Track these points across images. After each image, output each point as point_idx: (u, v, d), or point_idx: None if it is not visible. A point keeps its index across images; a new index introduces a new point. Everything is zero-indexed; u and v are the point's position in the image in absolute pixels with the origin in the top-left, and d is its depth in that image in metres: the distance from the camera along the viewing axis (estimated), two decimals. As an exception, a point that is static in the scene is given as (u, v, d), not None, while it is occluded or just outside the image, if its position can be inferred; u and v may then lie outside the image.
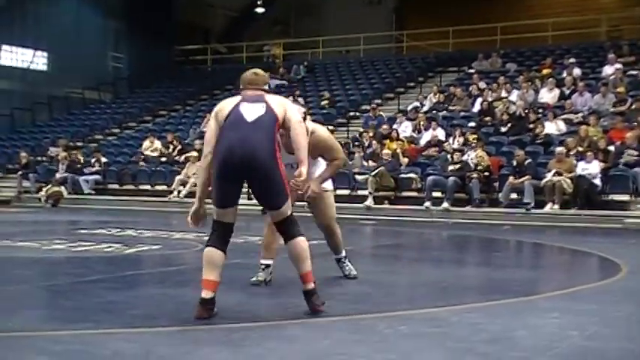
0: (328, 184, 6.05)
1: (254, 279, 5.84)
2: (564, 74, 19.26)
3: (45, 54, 26.25)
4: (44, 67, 26.40)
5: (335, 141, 5.94)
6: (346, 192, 16.46)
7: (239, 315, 4.74)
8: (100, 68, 27.59)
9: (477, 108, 18.85)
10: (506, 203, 14.78)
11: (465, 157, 15.61)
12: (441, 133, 17.50)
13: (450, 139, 17.09)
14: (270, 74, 25.60)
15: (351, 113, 21.49)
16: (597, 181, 14.17)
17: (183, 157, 18.96)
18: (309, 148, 4.89)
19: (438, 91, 20.52)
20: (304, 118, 5.28)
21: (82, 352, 3.81)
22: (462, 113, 18.99)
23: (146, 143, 20.62)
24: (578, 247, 9.75)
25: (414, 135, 18.18)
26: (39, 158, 21.44)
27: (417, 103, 20.26)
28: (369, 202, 15.76)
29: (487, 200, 15.20)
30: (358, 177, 16.28)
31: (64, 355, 3.77)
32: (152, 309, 4.93)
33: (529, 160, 14.84)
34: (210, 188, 4.69)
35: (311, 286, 4.70)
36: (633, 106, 16.57)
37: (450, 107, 19.50)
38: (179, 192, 17.75)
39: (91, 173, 19.62)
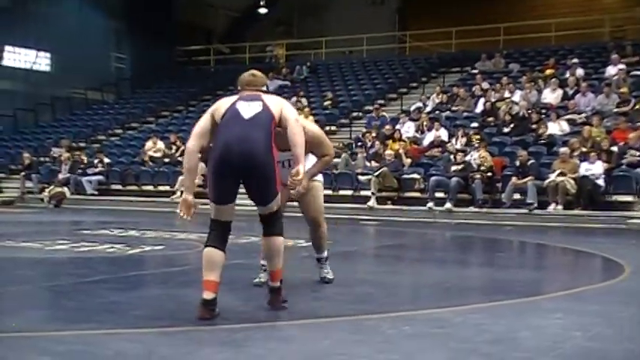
0: (318, 176, 5.98)
1: (256, 280, 5.84)
2: (567, 74, 19.23)
3: (47, 55, 26.28)
4: (47, 68, 26.43)
5: (326, 137, 5.91)
6: (349, 192, 16.49)
7: (241, 316, 4.74)
8: (103, 69, 27.62)
9: (479, 108, 18.83)
10: (509, 204, 14.77)
11: (467, 158, 15.60)
12: (443, 134, 17.49)
13: (453, 140, 17.08)
14: (272, 75, 25.76)
15: (354, 114, 21.50)
16: (601, 182, 14.16)
17: (185, 158, 18.93)
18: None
19: (441, 91, 20.52)
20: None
21: (84, 352, 3.81)
22: (465, 114, 18.98)
23: (149, 144, 20.63)
24: (581, 247, 9.73)
25: (417, 135, 18.17)
26: (42, 159, 21.48)
27: (420, 104, 20.24)
28: (372, 202, 15.76)
29: (490, 201, 15.19)
30: (361, 177, 16.29)
31: (67, 355, 3.77)
32: (155, 309, 4.93)
33: (532, 161, 14.83)
34: (200, 181, 4.72)
35: (277, 284, 4.83)
36: (636, 107, 16.54)
37: (453, 108, 19.48)
38: (182, 192, 17.72)
39: (94, 174, 19.64)
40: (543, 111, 17.49)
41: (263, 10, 31.21)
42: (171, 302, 5.17)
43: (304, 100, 21.11)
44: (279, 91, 22.29)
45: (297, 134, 4.71)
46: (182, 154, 18.99)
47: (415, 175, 16.03)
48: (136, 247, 8.87)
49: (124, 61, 29.05)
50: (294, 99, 20.80)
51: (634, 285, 6.53)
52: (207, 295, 4.52)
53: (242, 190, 4.71)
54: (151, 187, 19.19)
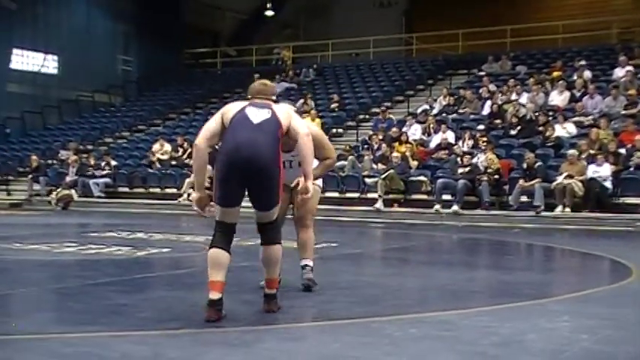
0: (317, 180, 5.92)
1: (262, 282, 5.81)
2: (575, 77, 19.18)
3: (55, 57, 26.35)
4: (55, 71, 26.51)
5: (328, 140, 5.90)
6: (356, 195, 16.49)
7: (249, 318, 4.74)
8: (110, 71, 27.70)
9: (486, 111, 18.80)
10: (517, 206, 14.73)
11: (474, 160, 15.58)
12: (450, 136, 17.47)
13: (460, 142, 17.06)
14: (279, 77, 25.70)
15: (361, 116, 21.50)
16: (608, 184, 14.12)
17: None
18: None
19: (448, 93, 20.49)
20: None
21: (91, 354, 3.81)
22: (472, 116, 18.95)
23: (156, 146, 20.66)
24: (588, 250, 9.70)
25: (424, 138, 18.16)
26: (49, 161, 21.54)
27: (427, 106, 20.24)
28: (379, 204, 15.75)
29: (497, 203, 15.17)
30: (368, 180, 16.28)
31: (74, 357, 3.78)
32: (161, 312, 4.93)
33: (539, 163, 14.80)
34: (207, 183, 4.74)
35: (273, 291, 4.87)
36: (644, 109, 16.50)
37: (460, 110, 19.46)
38: (189, 195, 17.75)
39: (101, 176, 19.68)
40: (550, 113, 17.46)
41: (270, 13, 31.24)
42: (177, 304, 5.17)
43: (311, 103, 21.11)
44: (286, 94, 22.33)
45: (307, 149, 4.80)
46: (189, 157, 19.27)
47: (422, 178, 16.02)
48: (142, 249, 8.88)
49: (132, 64, 29.12)
50: (301, 101, 20.80)
51: (642, 287, 6.51)
52: (214, 295, 4.54)
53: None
54: (158, 190, 19.23)
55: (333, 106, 21.70)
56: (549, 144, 16.12)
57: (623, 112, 16.80)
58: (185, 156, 19.73)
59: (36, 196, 20.07)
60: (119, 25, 28.14)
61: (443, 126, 17.76)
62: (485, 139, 16.43)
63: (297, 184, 4.90)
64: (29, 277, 6.76)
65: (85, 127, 25.01)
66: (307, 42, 29.38)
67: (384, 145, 17.40)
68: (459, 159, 15.95)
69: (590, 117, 16.96)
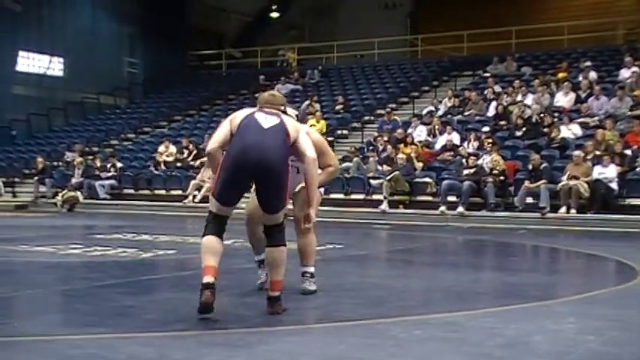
0: None
1: (259, 282, 5.82)
2: (580, 78, 19.14)
3: (61, 60, 26.42)
4: (60, 73, 26.57)
5: (329, 147, 5.88)
6: (361, 196, 16.48)
7: (253, 319, 4.75)
8: (115, 73, 27.75)
9: (492, 112, 18.79)
10: (522, 207, 14.72)
11: (480, 162, 15.57)
12: (455, 138, 17.46)
13: (465, 144, 17.04)
14: (284, 79, 25.75)
15: (366, 117, 21.50)
16: (614, 185, 14.09)
17: (198, 162, 19.02)
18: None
19: (453, 95, 20.49)
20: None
21: (97, 356, 3.82)
22: (477, 117, 18.94)
23: (161, 148, 20.69)
24: (594, 251, 9.68)
25: (429, 139, 18.15)
26: (55, 163, 21.57)
27: (432, 108, 20.22)
28: (384, 206, 15.75)
29: (502, 204, 15.14)
30: (373, 181, 16.27)
31: (80, 359, 3.80)
32: (167, 313, 4.94)
33: (545, 165, 14.78)
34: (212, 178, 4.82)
35: (277, 293, 4.85)
36: (650, 110, 16.47)
37: (465, 111, 19.45)
38: (194, 197, 17.80)
39: (107, 178, 19.72)
40: (556, 114, 17.44)
41: (275, 15, 31.28)
42: (183, 306, 5.17)
43: (316, 105, 21.11)
44: (291, 95, 22.33)
45: (312, 177, 4.89)
46: (194, 159, 19.36)
47: (427, 179, 16.01)
48: (148, 251, 8.89)
49: (137, 66, 29.18)
50: (306, 103, 20.80)
51: (648, 289, 6.49)
52: (208, 278, 4.59)
53: (246, 193, 4.75)
54: (163, 192, 19.25)
55: (338, 107, 21.70)
56: (555, 145, 16.10)
57: (629, 113, 16.76)
58: (190, 158, 19.76)
59: (42, 198, 20.12)
60: (124, 28, 28.19)
61: (448, 127, 17.75)
62: (490, 140, 16.41)
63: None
64: (35, 279, 6.78)
65: (90, 129, 25.05)
66: (312, 43, 29.39)
67: (389, 146, 17.39)
68: (464, 160, 15.94)
69: (596, 118, 16.93)
